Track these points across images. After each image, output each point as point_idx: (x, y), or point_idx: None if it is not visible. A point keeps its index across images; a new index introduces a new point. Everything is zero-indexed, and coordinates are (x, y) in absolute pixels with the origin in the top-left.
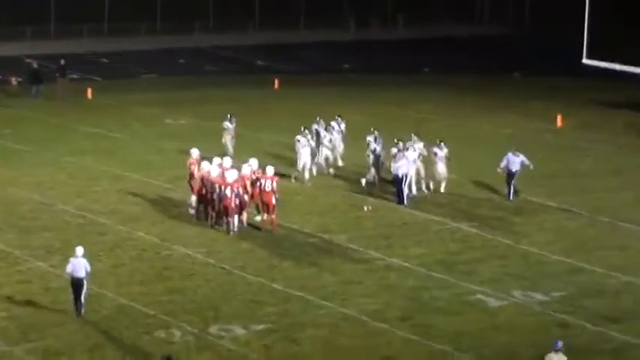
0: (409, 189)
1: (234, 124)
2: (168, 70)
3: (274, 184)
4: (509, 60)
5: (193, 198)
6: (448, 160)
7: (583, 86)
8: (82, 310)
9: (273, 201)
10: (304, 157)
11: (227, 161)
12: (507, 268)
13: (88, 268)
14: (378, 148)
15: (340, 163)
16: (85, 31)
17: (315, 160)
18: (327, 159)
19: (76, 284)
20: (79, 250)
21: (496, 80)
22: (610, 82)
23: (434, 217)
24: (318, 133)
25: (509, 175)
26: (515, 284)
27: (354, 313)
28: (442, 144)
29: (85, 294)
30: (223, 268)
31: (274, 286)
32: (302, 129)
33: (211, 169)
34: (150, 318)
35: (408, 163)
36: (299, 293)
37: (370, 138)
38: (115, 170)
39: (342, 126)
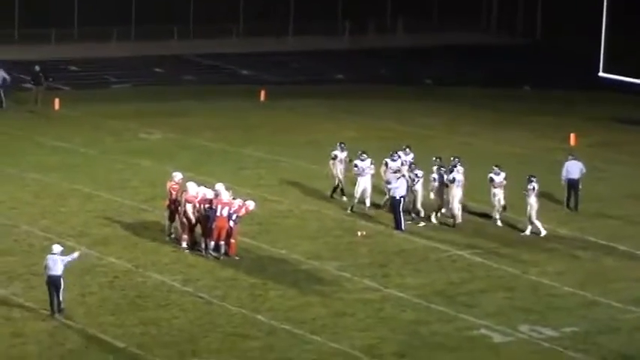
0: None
1: (345, 153)
2: (144, 80)
3: (229, 210)
4: (518, 72)
5: (171, 225)
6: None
7: (599, 101)
8: (62, 306)
9: (227, 226)
10: (363, 184)
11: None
12: (514, 301)
13: (66, 264)
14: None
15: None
16: (52, 36)
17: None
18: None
19: (52, 282)
20: (56, 247)
21: (504, 94)
22: (628, 97)
23: (434, 243)
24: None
25: (570, 185)
26: (523, 318)
27: (345, 349)
28: (498, 169)
29: (62, 293)
30: (202, 298)
31: (258, 317)
32: (359, 153)
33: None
34: (121, 352)
35: (406, 185)
36: (285, 326)
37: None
38: (83, 189)
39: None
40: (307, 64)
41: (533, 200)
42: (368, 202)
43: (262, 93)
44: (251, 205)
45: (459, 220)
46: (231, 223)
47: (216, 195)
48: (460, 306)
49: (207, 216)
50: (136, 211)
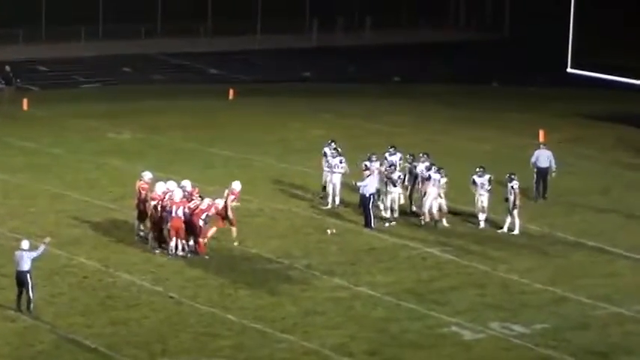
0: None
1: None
2: (112, 79)
3: (185, 210)
4: (487, 68)
5: (140, 224)
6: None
7: (568, 97)
8: (32, 306)
9: (182, 225)
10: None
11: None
12: (484, 298)
13: (34, 258)
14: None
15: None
16: (20, 35)
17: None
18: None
19: (20, 278)
20: (25, 243)
21: (473, 90)
22: (597, 93)
23: (404, 241)
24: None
25: (539, 173)
26: (493, 315)
27: (316, 347)
28: (482, 171)
29: (31, 289)
30: (172, 297)
31: (228, 316)
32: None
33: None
34: (91, 352)
35: (376, 181)
36: (256, 325)
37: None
38: (52, 189)
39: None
40: (275, 62)
41: (513, 198)
42: (337, 200)
43: (231, 92)
44: (220, 202)
45: (428, 219)
46: (201, 222)
47: (182, 193)
48: (430, 303)
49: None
50: (105, 210)
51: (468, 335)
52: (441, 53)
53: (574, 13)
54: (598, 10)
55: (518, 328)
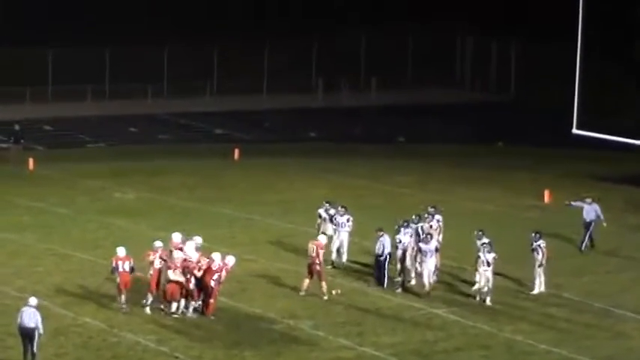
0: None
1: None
2: (118, 139)
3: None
4: (492, 128)
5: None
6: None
7: (573, 158)
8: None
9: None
10: (339, 239)
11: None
12: (490, 359)
13: (39, 320)
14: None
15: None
16: (27, 94)
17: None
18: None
19: (26, 334)
20: (32, 300)
21: (478, 150)
22: (603, 154)
23: (409, 301)
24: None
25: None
26: None
27: None
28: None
29: (36, 346)
30: (177, 358)
31: None
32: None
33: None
34: None
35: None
36: None
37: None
38: (58, 248)
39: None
40: (281, 122)
41: (541, 259)
42: (344, 258)
43: (236, 151)
44: (230, 261)
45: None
46: (212, 283)
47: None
48: None
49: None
50: (109, 270)
51: None
52: (445, 113)
53: (579, 74)
54: (604, 72)
55: None
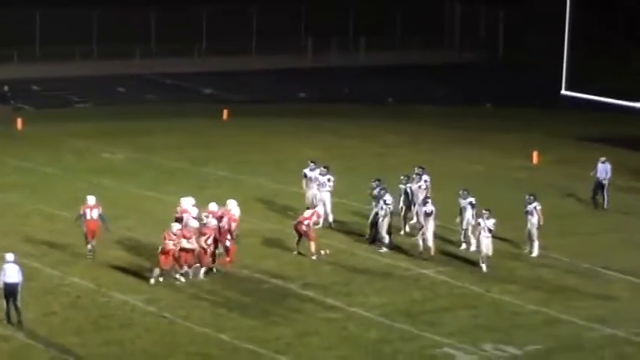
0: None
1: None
2: (106, 99)
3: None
4: (480, 89)
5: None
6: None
7: (562, 119)
8: (21, 317)
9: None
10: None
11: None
12: (477, 319)
13: (20, 274)
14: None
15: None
16: (14, 55)
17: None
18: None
19: (10, 290)
20: (10, 255)
21: (466, 111)
22: (591, 115)
23: (397, 262)
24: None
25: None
26: (486, 336)
27: None
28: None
29: (19, 300)
30: (165, 317)
31: (221, 337)
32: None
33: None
34: None
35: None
36: (249, 345)
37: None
38: (46, 208)
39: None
40: (270, 82)
41: (535, 220)
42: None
43: (225, 112)
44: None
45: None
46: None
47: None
48: (423, 324)
49: None
50: (75, 217)
51: (460, 356)
52: (434, 74)
53: (568, 35)
54: (592, 33)
55: (510, 350)
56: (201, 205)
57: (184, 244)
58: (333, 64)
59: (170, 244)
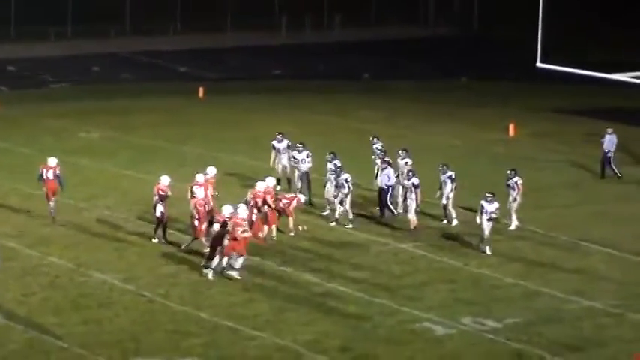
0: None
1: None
2: (81, 79)
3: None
4: (456, 63)
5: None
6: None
7: (537, 92)
8: None
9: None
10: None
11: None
12: (456, 293)
13: None
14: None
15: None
16: None
17: None
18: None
19: None
20: None
21: (442, 85)
22: (566, 87)
23: (375, 237)
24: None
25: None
26: (465, 310)
27: (289, 343)
28: (492, 196)
29: None
30: (144, 296)
31: (200, 314)
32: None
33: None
34: (64, 351)
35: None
36: (228, 322)
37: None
38: (23, 188)
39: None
40: (245, 60)
41: (516, 195)
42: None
43: (201, 90)
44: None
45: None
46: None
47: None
48: (402, 299)
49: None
50: (75, 210)
51: (440, 330)
52: (409, 49)
53: (542, 7)
54: (567, 4)
55: (490, 323)
56: (179, 182)
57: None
58: (308, 41)
59: (240, 231)
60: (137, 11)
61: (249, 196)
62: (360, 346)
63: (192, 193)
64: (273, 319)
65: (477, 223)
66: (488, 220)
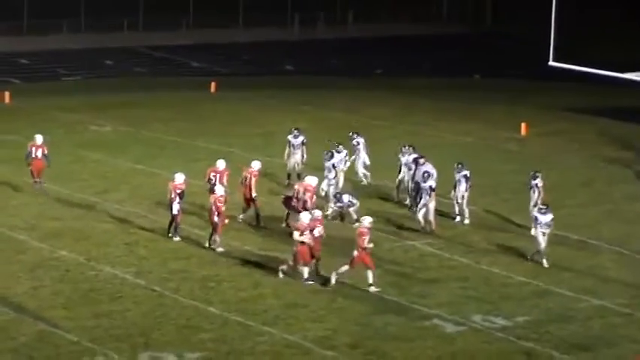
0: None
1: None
2: (94, 72)
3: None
4: (468, 61)
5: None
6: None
7: (549, 91)
8: None
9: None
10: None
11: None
12: (466, 291)
13: None
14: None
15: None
16: (2, 28)
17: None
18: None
19: None
20: None
21: (455, 83)
22: (579, 86)
23: (385, 234)
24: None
25: None
26: (475, 308)
27: (298, 340)
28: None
29: None
30: (154, 290)
31: (210, 309)
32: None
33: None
34: (74, 345)
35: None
36: (238, 318)
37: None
38: None
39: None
40: (258, 55)
41: (537, 198)
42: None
43: (213, 84)
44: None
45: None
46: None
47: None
48: (413, 296)
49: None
50: (86, 203)
51: (450, 328)
52: (422, 46)
53: (556, 5)
54: (580, 4)
55: (500, 321)
56: (192, 179)
57: (295, 235)
58: (321, 37)
59: (306, 238)
60: (151, 5)
61: (244, 174)
62: (370, 343)
63: (209, 181)
64: (283, 315)
65: (531, 235)
66: (543, 233)
